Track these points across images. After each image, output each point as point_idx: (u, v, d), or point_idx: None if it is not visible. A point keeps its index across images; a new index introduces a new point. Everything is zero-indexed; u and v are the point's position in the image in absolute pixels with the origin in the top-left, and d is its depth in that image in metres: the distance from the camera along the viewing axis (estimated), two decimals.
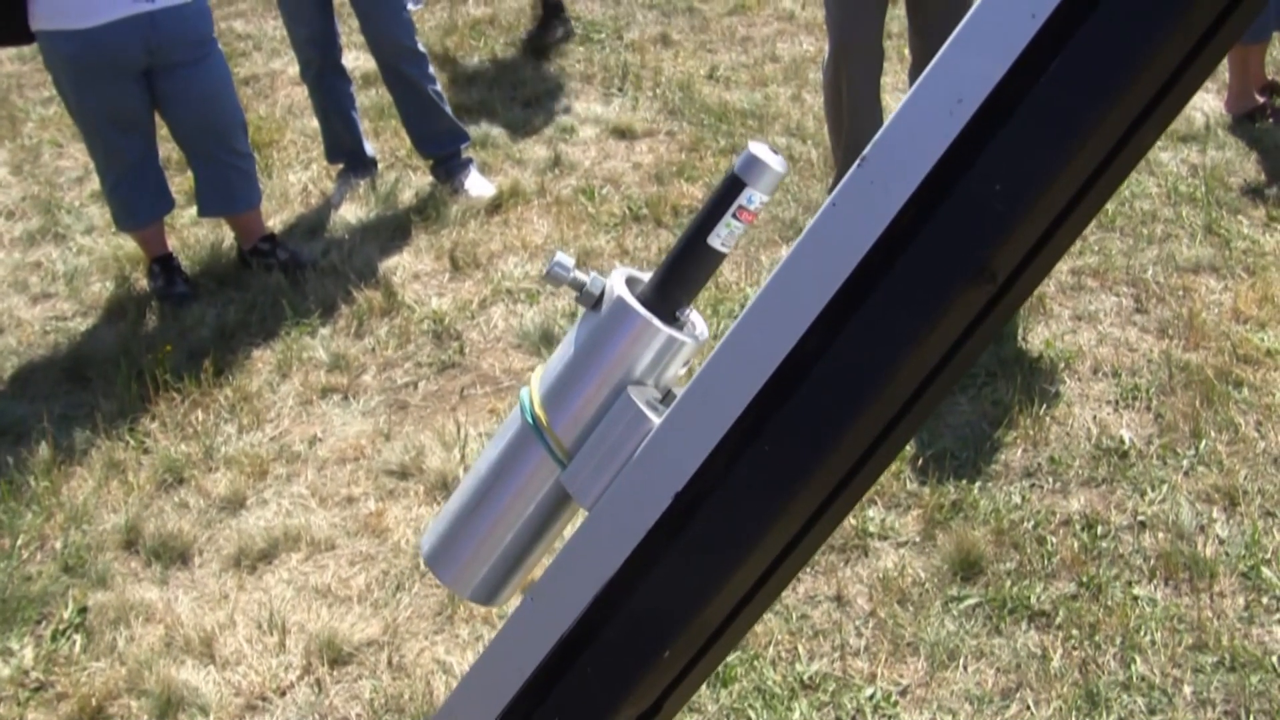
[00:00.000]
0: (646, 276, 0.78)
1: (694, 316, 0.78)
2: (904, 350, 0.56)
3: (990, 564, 3.52)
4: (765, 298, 0.62)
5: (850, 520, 3.67)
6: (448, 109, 5.71)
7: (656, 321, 0.73)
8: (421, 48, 5.62)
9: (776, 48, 7.26)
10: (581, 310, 0.77)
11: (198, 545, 3.76)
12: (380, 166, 5.90)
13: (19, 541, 3.76)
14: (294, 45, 5.72)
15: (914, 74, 5.07)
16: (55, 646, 3.42)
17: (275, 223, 5.45)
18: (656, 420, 0.68)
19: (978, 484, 3.80)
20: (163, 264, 5.03)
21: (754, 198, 0.71)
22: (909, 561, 3.55)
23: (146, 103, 4.80)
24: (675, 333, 0.73)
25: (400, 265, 5.14)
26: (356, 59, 6.05)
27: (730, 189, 0.71)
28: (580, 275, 0.75)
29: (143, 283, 5.09)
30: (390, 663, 3.33)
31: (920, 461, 3.88)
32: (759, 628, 3.34)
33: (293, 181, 5.86)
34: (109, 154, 4.85)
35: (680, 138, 6.14)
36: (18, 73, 7.44)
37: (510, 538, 0.76)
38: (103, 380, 4.51)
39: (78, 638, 3.45)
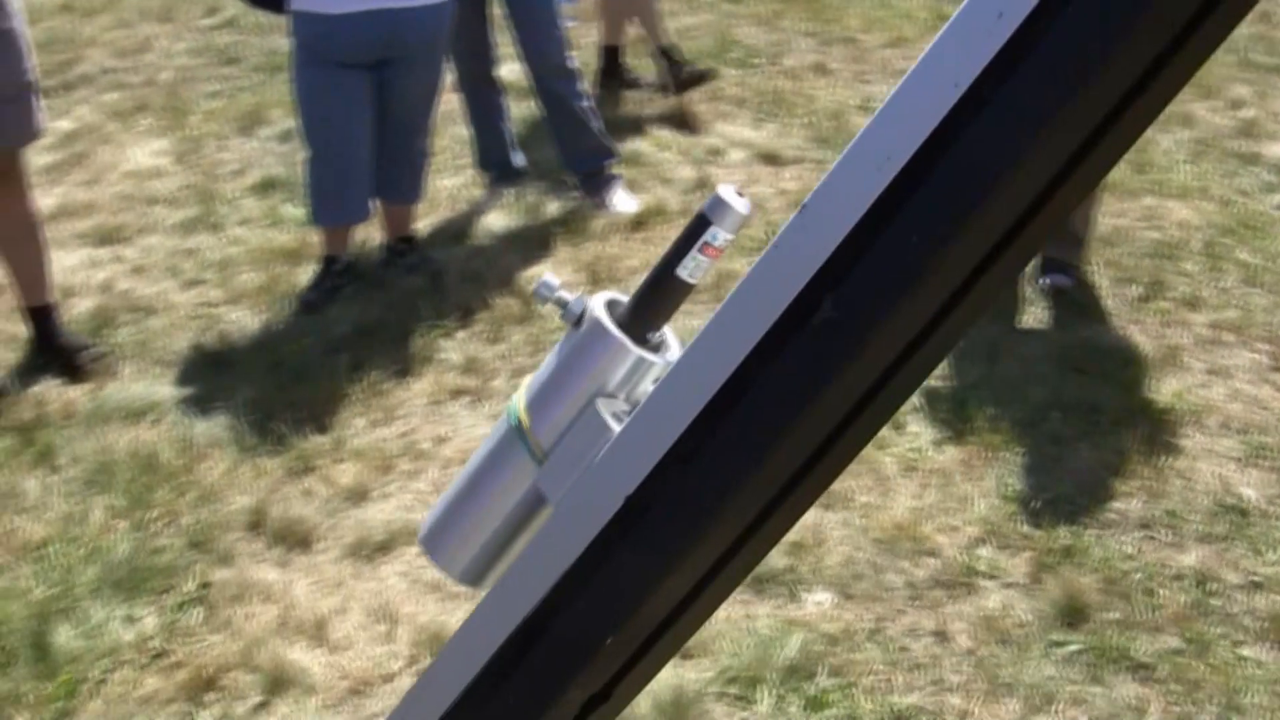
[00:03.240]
0: (626, 299, 0.86)
1: (669, 338, 0.86)
2: (822, 385, 0.63)
3: (1096, 611, 3.50)
4: (711, 329, 0.69)
5: (958, 557, 3.68)
6: (597, 125, 5.79)
7: (629, 343, 0.81)
8: (574, 64, 5.71)
9: None
10: (567, 327, 0.85)
11: (319, 532, 3.88)
12: (528, 178, 6.01)
13: (151, 514, 3.92)
14: (452, 55, 5.85)
15: None
16: (176, 617, 3.56)
17: (423, 225, 5.58)
18: (617, 430, 0.75)
19: (1091, 531, 3.78)
20: (328, 265, 5.15)
21: (719, 235, 0.79)
22: (1014, 603, 3.55)
23: (370, 100, 4.88)
24: (645, 354, 0.81)
25: (540, 275, 5.22)
26: (511, 70, 6.16)
27: (697, 227, 0.79)
28: (564, 295, 0.86)
29: (292, 275, 5.23)
30: None
31: (1035, 504, 3.87)
32: (857, 655, 3.36)
33: (443, 186, 6.00)
34: (324, 146, 4.91)
35: (827, 166, 6.14)
36: (188, 66, 7.70)
37: (494, 527, 0.84)
38: (243, 367, 4.66)
39: (198, 611, 3.58)
